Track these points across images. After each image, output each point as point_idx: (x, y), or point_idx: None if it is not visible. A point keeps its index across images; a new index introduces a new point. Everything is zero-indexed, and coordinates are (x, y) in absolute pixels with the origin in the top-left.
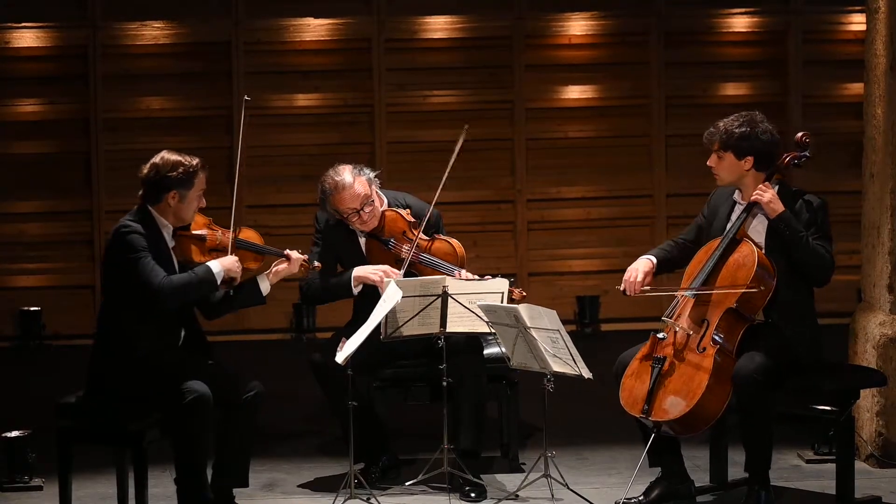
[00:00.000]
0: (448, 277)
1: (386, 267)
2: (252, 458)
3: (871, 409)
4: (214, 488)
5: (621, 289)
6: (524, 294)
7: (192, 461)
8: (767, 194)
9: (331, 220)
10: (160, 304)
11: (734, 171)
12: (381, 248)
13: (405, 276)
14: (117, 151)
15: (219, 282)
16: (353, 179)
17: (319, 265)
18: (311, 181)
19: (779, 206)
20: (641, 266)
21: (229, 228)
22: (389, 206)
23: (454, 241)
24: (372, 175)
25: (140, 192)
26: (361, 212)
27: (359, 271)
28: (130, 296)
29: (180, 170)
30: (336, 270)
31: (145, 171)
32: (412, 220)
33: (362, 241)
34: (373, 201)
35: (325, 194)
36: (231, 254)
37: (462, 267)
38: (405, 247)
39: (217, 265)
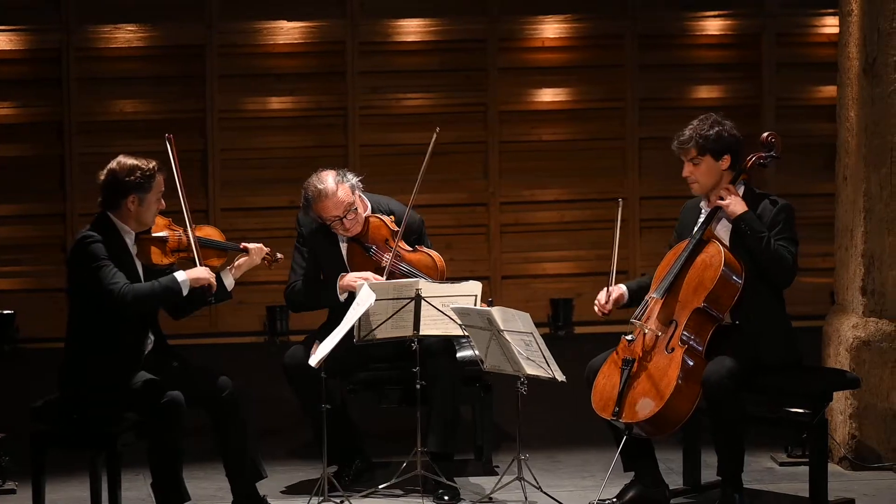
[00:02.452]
0: (422, 280)
1: (369, 274)
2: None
3: (844, 411)
4: (237, 493)
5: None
6: None
7: (167, 464)
8: (729, 197)
9: (313, 223)
10: (122, 311)
11: (713, 173)
12: (363, 254)
13: None
14: (91, 155)
15: (185, 291)
16: (336, 186)
17: (282, 256)
18: (285, 184)
19: (739, 208)
20: (615, 290)
21: (187, 227)
22: (373, 211)
23: (435, 255)
24: (355, 180)
25: (99, 199)
26: (344, 219)
27: (344, 280)
28: (95, 304)
29: (137, 174)
30: (316, 274)
31: (102, 176)
32: (395, 228)
33: (344, 246)
34: (356, 208)
35: (307, 200)
36: (195, 253)
37: (441, 279)
38: (386, 255)
39: (183, 275)
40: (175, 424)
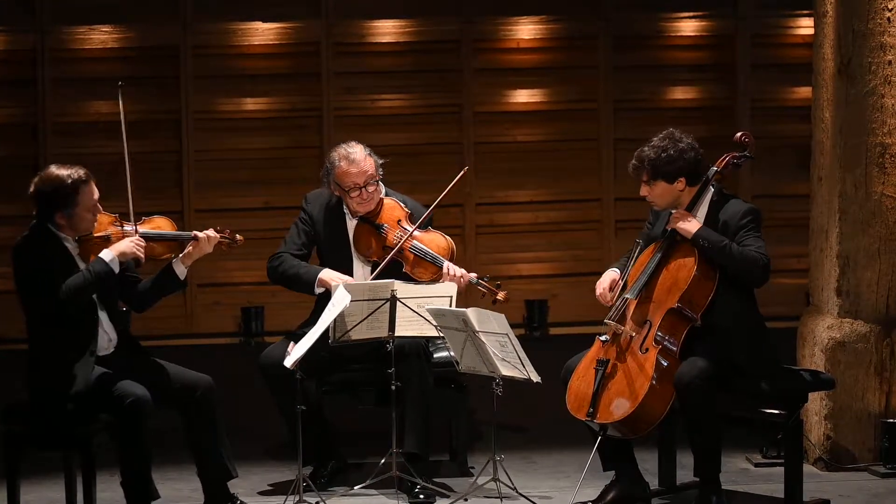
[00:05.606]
0: (397, 282)
1: (346, 277)
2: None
3: (819, 412)
4: (208, 492)
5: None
6: (508, 297)
7: (134, 462)
8: (680, 218)
9: (322, 200)
10: (66, 310)
11: (669, 195)
12: (372, 232)
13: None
14: (66, 156)
15: (116, 269)
16: (363, 157)
17: (241, 238)
18: (260, 185)
19: (693, 227)
20: (606, 278)
21: (134, 221)
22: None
23: (447, 237)
24: (380, 162)
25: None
26: (364, 189)
27: (325, 275)
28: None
29: (60, 192)
30: (308, 253)
31: (30, 190)
32: (408, 211)
33: (351, 224)
34: (377, 181)
35: (332, 164)
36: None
37: (451, 261)
38: (397, 233)
39: (108, 252)
40: (140, 423)
